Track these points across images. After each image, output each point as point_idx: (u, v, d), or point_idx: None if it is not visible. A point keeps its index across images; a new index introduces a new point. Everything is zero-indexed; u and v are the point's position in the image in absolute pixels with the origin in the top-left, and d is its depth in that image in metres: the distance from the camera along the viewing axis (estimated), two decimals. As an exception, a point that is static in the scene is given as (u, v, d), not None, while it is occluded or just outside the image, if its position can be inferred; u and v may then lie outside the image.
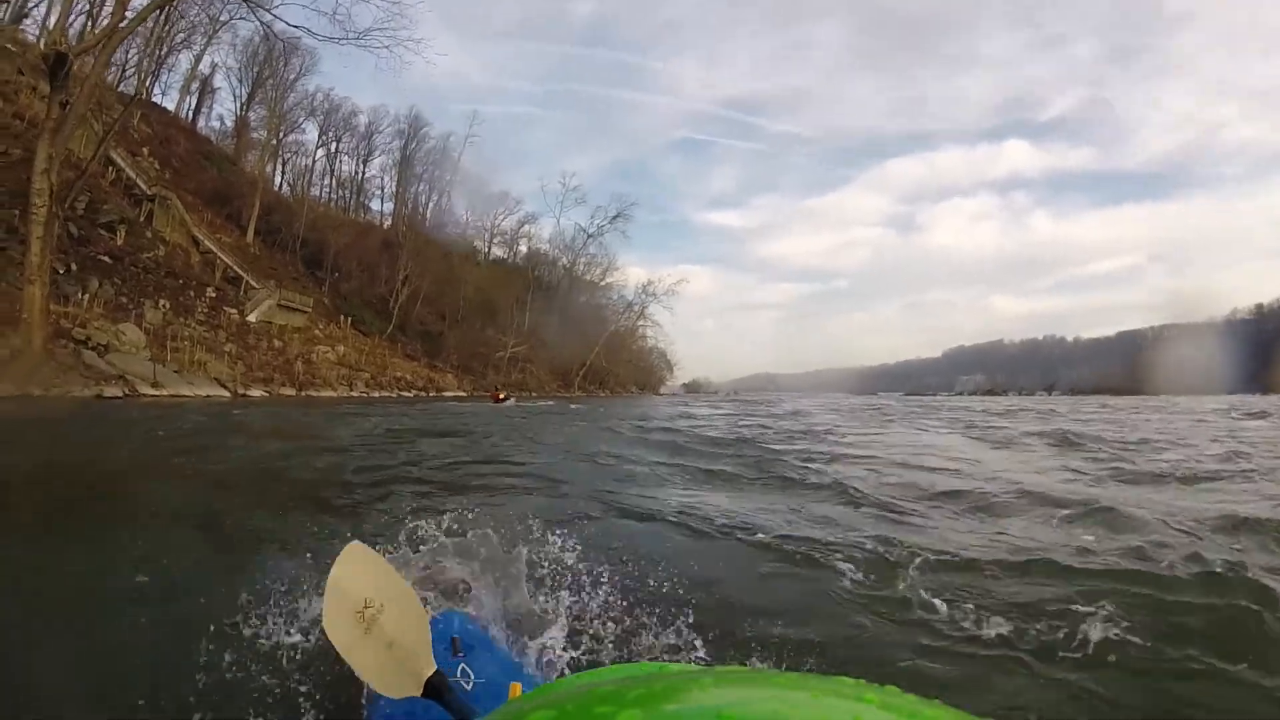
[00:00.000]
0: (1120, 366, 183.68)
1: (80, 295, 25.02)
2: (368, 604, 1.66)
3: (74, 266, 26.02)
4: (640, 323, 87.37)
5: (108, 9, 22.06)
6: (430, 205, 66.74)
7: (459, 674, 1.81)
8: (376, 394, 40.24)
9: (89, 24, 24.64)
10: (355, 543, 1.80)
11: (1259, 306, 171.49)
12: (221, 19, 37.92)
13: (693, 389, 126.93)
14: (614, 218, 76.89)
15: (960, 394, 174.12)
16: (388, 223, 63.71)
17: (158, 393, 23.23)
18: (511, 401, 37.51)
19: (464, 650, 1.99)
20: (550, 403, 39.66)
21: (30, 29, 34.35)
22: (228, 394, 27.26)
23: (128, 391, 21.80)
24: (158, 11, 25.53)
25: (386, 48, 25.69)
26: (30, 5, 35.41)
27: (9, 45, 30.38)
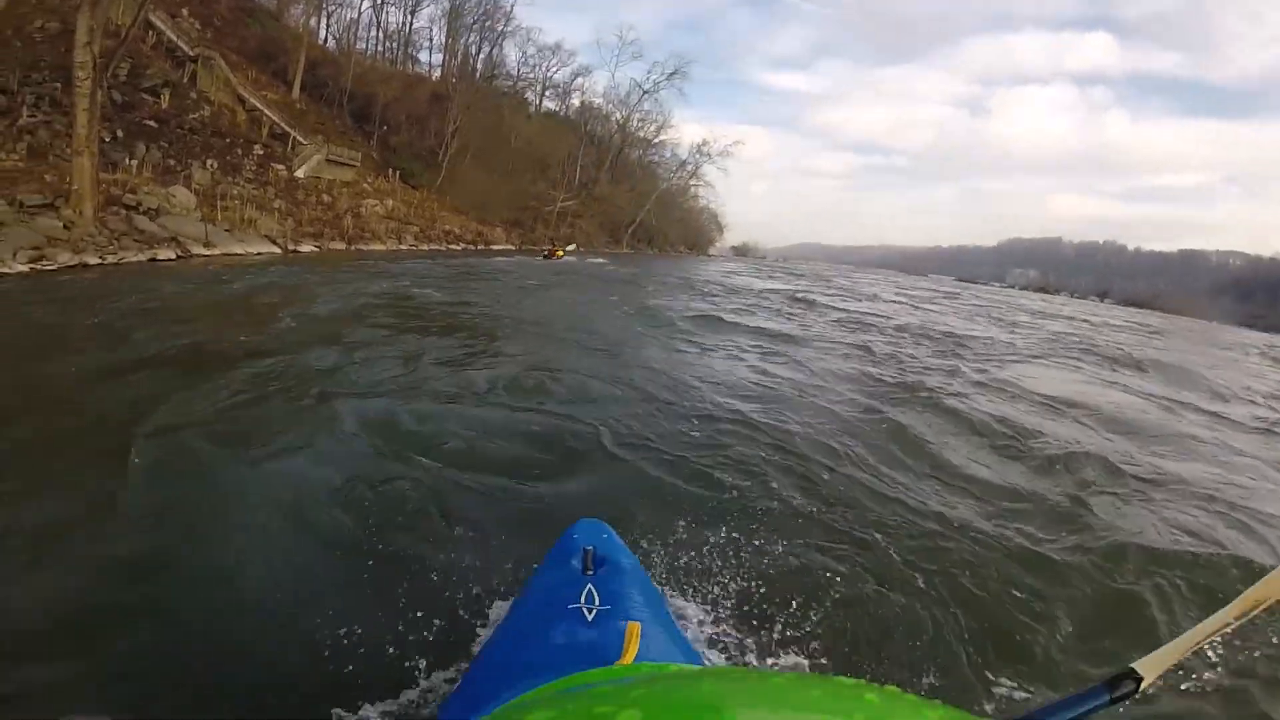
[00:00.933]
0: (1177, 285, 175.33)
1: (128, 161, 26.22)
2: None
3: (120, 133, 27.15)
4: (692, 182, 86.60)
5: None
6: (480, 57, 65.68)
7: (584, 597, 1.74)
8: (425, 246, 41.49)
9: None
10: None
11: None
12: None
13: (741, 252, 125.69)
14: (670, 74, 74.79)
15: (1012, 287, 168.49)
16: (436, 75, 63.16)
17: (210, 252, 24.45)
18: (570, 255, 38.41)
19: (595, 566, 1.95)
20: (602, 260, 40.47)
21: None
22: (279, 250, 28.46)
23: (180, 253, 22.99)
24: None
25: None
26: None
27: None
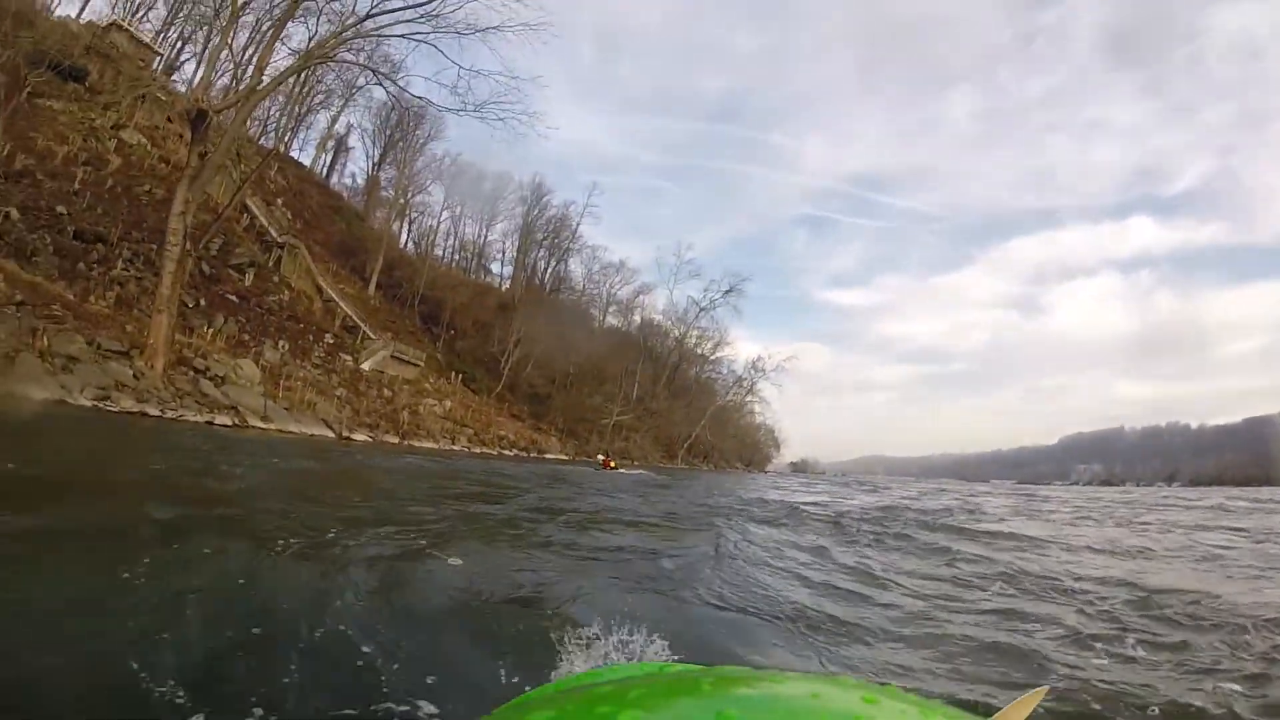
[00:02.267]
0: (1248, 455, 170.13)
1: (205, 329, 26.67)
2: None
3: (203, 302, 27.74)
4: (748, 398, 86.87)
5: (249, 71, 23.70)
6: (548, 270, 68.49)
7: None
8: (478, 449, 40.76)
9: (233, 83, 26.51)
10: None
11: None
12: (357, 84, 40.37)
13: (799, 468, 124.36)
14: (727, 291, 77.03)
15: (1075, 484, 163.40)
16: (506, 285, 65.49)
17: (265, 426, 24.16)
18: (622, 469, 37.49)
19: None
20: (646, 472, 39.40)
21: (180, 81, 37.43)
22: (333, 434, 28.09)
23: (237, 421, 22.75)
24: (296, 75, 27.37)
25: (502, 120, 26.64)
26: (182, 60, 38.63)
27: (160, 94, 33.32)
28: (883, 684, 0.55)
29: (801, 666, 4.63)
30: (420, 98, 27.27)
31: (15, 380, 14.53)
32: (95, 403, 16.52)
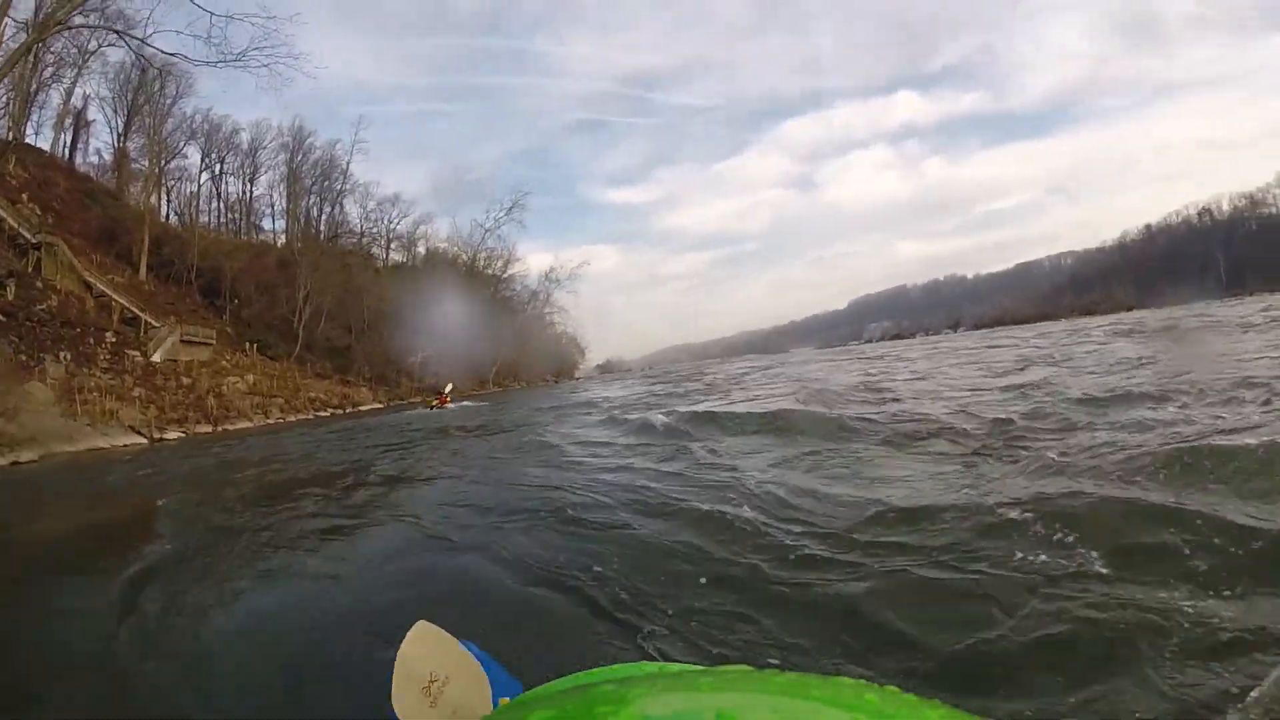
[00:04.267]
0: (1022, 297, 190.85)
1: (-21, 359, 24.37)
2: (433, 678, 1.66)
3: (-34, 329, 25.31)
4: (547, 310, 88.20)
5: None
6: (323, 217, 65.52)
7: None
8: (293, 418, 39.78)
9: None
10: (421, 622, 1.80)
11: (1147, 227, 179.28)
12: (90, 48, 36.70)
13: (605, 369, 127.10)
14: (509, 209, 77.54)
15: (869, 341, 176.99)
16: (281, 240, 62.36)
17: (74, 448, 22.82)
18: (452, 403, 36.69)
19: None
20: (484, 403, 39.27)
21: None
22: (145, 439, 26.77)
23: (43, 453, 21.41)
24: (28, 51, 24.73)
25: (266, 66, 25.34)
26: None
27: None
28: (883, 684, 0.57)
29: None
30: (172, 54, 25.28)
31: None
32: None
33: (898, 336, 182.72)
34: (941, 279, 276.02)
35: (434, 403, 37.00)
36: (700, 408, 12.50)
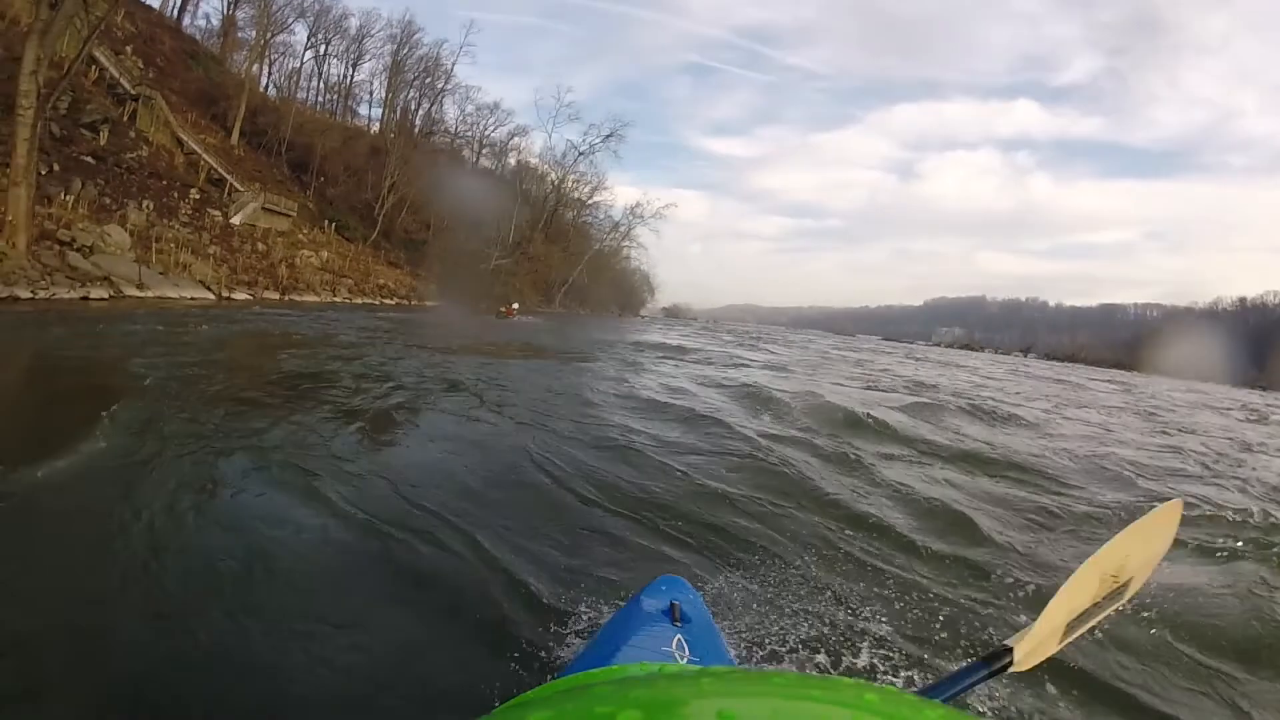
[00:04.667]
0: (1099, 338, 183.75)
1: (64, 196, 25.24)
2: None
3: (56, 167, 26.20)
4: (625, 244, 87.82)
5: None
6: (420, 112, 66.03)
7: (674, 645, 1.77)
8: (359, 300, 40.83)
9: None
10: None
11: (1242, 300, 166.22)
12: (206, -87, 37.09)
13: (672, 314, 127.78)
14: (607, 136, 76.23)
15: (937, 344, 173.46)
16: (376, 128, 63.08)
17: (143, 294, 23.70)
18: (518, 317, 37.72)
19: (682, 620, 1.95)
20: (551, 322, 39.98)
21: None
22: (212, 296, 27.75)
23: (113, 293, 22.26)
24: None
25: None
26: None
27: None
28: (884, 685, 0.58)
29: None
30: None
31: None
32: None
33: (967, 346, 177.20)
34: (1023, 299, 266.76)
35: (502, 310, 38.11)
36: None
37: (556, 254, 74.15)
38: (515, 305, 41.45)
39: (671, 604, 1.97)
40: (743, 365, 20.52)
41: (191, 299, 26.21)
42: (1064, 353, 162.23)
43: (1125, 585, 1.51)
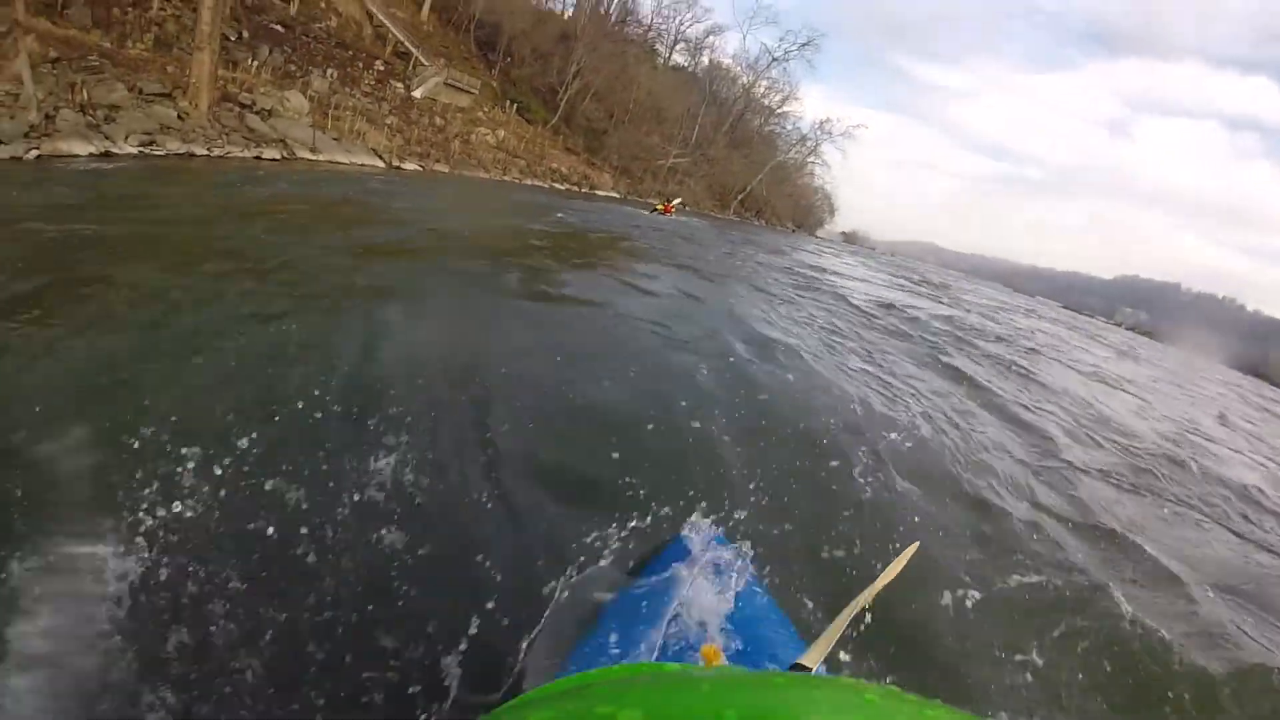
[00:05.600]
0: None
1: (250, 61, 27.24)
2: None
3: (245, 34, 28.15)
4: (810, 159, 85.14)
5: None
6: (614, 1, 65.52)
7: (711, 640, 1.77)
8: (529, 181, 41.92)
9: None
10: None
11: None
12: None
13: (850, 239, 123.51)
14: (803, 45, 73.08)
15: (1119, 325, 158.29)
16: (569, 14, 63.16)
17: (314, 157, 25.38)
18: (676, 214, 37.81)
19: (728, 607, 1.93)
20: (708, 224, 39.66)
21: None
22: (382, 164, 29.38)
23: (285, 155, 24.00)
24: None
25: None
26: None
27: None
28: (884, 684, 0.56)
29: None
30: None
31: (60, 139, 15.50)
32: (141, 149, 17.63)
33: (1149, 335, 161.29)
34: (1220, 296, 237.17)
35: (658, 207, 38.04)
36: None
37: (738, 160, 72.80)
38: (675, 202, 41.15)
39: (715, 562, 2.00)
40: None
41: (361, 165, 27.85)
42: (1249, 365, 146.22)
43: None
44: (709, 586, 1.90)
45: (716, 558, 2.00)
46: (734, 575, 1.99)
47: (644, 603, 1.83)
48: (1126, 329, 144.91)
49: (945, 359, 11.51)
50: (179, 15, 25.25)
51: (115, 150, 16.84)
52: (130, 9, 24.51)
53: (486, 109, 45.37)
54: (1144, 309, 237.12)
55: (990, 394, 10.00)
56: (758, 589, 2.06)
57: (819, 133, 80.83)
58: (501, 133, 44.03)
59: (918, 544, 1.71)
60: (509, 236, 12.97)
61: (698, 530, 2.29)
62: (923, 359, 10.79)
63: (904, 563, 1.68)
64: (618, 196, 51.27)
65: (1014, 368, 13.61)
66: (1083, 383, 14.01)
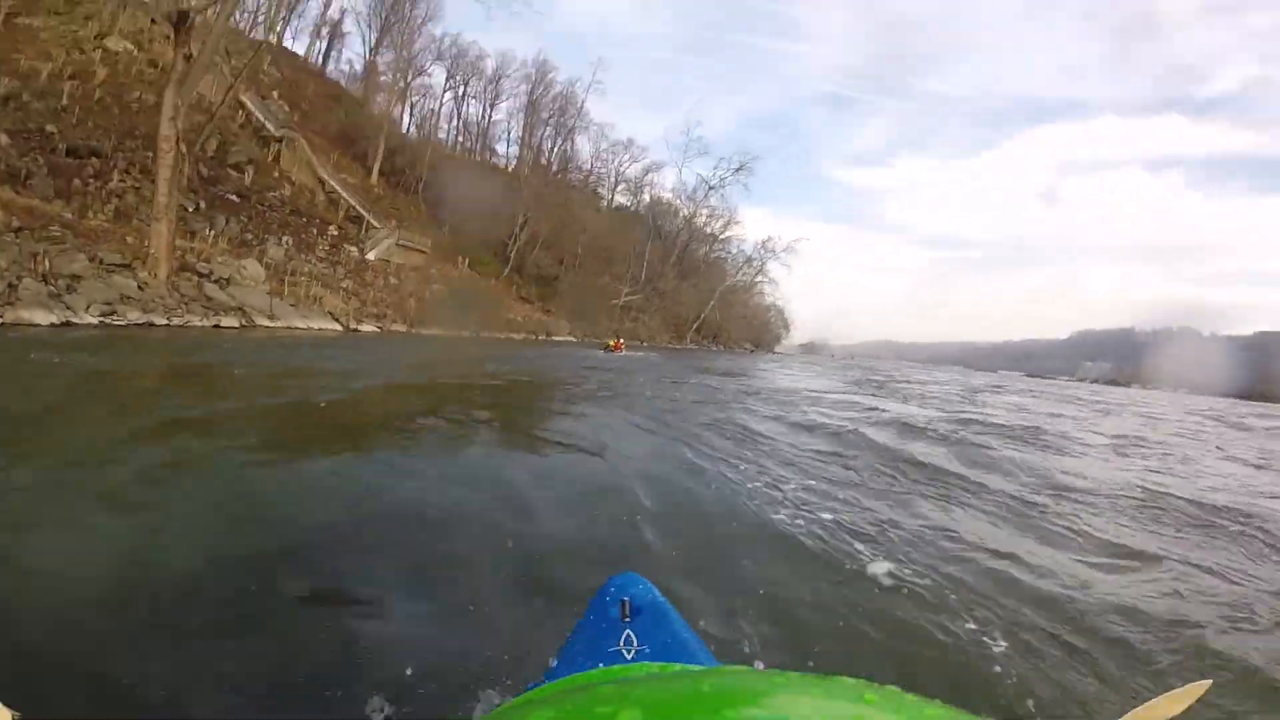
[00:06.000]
0: (1256, 369, 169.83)
1: (207, 231, 26.98)
2: None
3: (202, 204, 28.02)
4: (758, 279, 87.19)
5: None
6: (555, 150, 67.68)
7: (622, 640, 1.79)
8: (485, 334, 41.62)
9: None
10: None
11: None
12: (349, -37, 39.26)
13: (809, 350, 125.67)
14: (737, 169, 76.28)
15: (1083, 380, 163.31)
16: (512, 166, 64.95)
17: (273, 324, 24.86)
18: (628, 353, 37.89)
19: (632, 614, 1.94)
20: (654, 355, 39.88)
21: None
22: (340, 328, 28.85)
23: (244, 322, 23.43)
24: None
25: None
26: None
27: (141, -3, 32.60)
28: (884, 684, 0.58)
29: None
30: None
31: (22, 308, 14.93)
32: (101, 319, 17.01)
33: (1114, 382, 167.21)
34: (1175, 329, 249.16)
35: (610, 345, 38.17)
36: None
37: (688, 290, 74.21)
38: (622, 340, 41.60)
39: (622, 601, 1.92)
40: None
41: (320, 329, 27.28)
42: (1215, 387, 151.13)
43: None
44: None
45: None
46: (662, 608, 1.99)
47: (588, 644, 1.81)
48: (1091, 382, 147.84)
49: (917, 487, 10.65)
50: (138, 187, 25.08)
51: (76, 320, 16.25)
52: (91, 180, 24.43)
53: (439, 266, 45.50)
54: (1104, 359, 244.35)
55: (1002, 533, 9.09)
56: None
57: (763, 252, 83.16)
58: (456, 288, 44.02)
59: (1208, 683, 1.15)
60: (451, 390, 12.30)
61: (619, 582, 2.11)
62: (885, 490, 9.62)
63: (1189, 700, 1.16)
64: (575, 340, 51.38)
65: (1006, 468, 12.77)
66: (1092, 461, 13.24)
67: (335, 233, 36.41)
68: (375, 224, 39.85)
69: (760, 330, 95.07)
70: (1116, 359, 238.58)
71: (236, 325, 22.94)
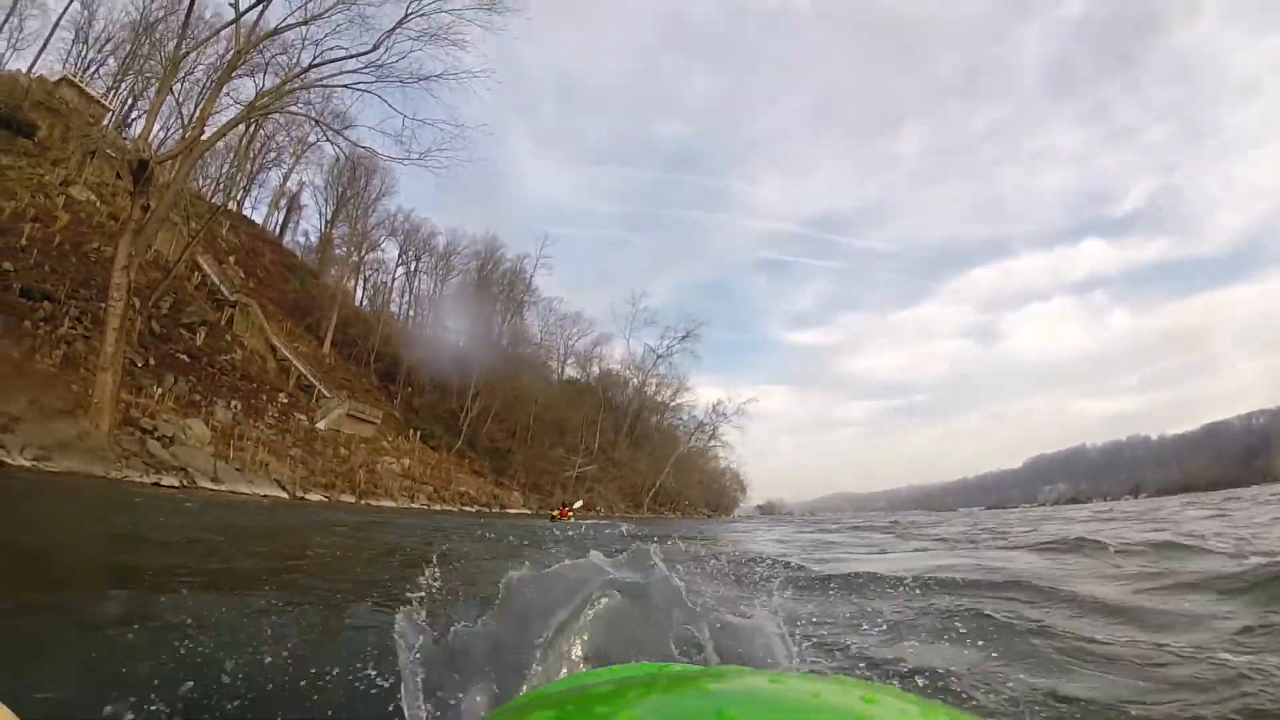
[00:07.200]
0: (1209, 460, 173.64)
1: (155, 388, 26.16)
2: None
3: (152, 361, 27.30)
4: (711, 443, 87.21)
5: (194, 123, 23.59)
6: (505, 324, 68.39)
7: None
8: (438, 507, 40.14)
9: (181, 135, 26.45)
10: None
11: None
12: (307, 141, 40.45)
13: (767, 511, 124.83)
14: (683, 338, 78.04)
15: (1043, 504, 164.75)
16: (463, 340, 65.28)
17: (216, 487, 23.70)
18: (573, 519, 36.34)
19: None
20: (602, 522, 38.62)
21: (131, 138, 37.06)
22: (286, 495, 27.70)
23: (185, 482, 22.37)
24: (243, 129, 27.27)
25: (445, 167, 26.79)
26: (133, 116, 38.68)
27: (109, 150, 32.97)
28: (883, 684, 0.52)
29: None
30: (366, 147, 27.44)
31: None
32: (34, 463, 16.09)
33: (1073, 500, 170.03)
34: (1124, 439, 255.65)
35: (555, 514, 36.74)
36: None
37: (643, 458, 73.88)
38: (576, 505, 40.04)
39: None
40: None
41: (264, 496, 26.14)
42: (1176, 484, 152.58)
43: None
44: None
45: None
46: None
47: None
48: (1051, 505, 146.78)
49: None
50: (89, 336, 24.35)
51: (7, 461, 15.41)
52: (42, 324, 23.76)
53: (390, 438, 44.52)
54: (1061, 480, 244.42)
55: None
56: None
57: (714, 416, 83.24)
58: (407, 460, 42.97)
59: None
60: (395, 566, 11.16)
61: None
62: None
63: None
64: (529, 512, 49.93)
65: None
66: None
67: (285, 400, 35.54)
68: (326, 393, 39.16)
69: (718, 495, 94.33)
70: (1072, 478, 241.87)
71: (177, 484, 21.99)
